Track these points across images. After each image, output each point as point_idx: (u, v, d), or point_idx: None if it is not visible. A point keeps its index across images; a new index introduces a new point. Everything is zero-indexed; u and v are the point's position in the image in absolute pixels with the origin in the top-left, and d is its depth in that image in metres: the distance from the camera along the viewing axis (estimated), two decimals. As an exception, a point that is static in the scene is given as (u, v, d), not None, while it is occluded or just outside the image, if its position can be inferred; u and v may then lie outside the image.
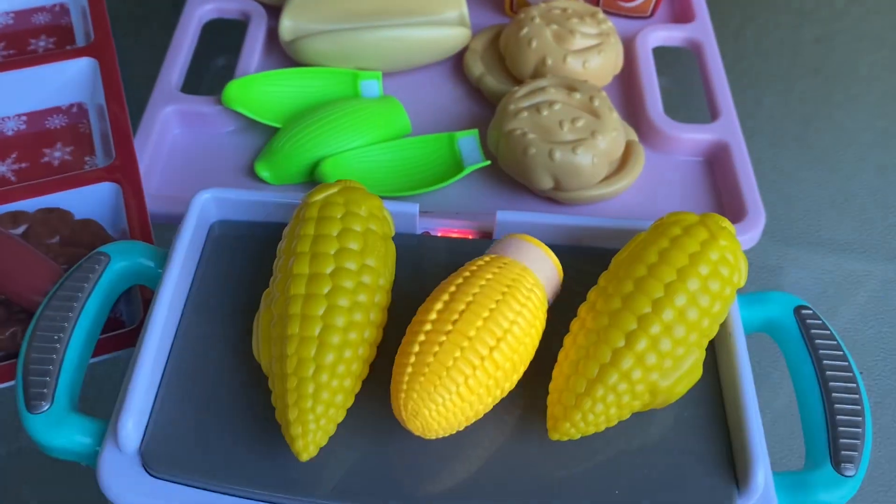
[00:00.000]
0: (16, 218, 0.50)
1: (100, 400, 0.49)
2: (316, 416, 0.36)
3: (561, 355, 0.40)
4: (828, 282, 0.58)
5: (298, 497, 0.37)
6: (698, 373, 0.39)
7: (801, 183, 0.64)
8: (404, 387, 0.36)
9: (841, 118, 0.69)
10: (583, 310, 0.41)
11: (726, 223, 0.41)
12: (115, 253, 0.45)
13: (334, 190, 0.42)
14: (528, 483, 0.38)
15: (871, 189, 0.64)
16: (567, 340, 0.40)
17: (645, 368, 0.37)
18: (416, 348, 0.37)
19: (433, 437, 0.37)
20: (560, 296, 0.43)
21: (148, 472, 0.38)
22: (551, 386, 0.39)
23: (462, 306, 0.38)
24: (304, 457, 0.37)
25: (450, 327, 0.37)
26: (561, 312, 0.42)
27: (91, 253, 0.45)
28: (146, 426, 0.39)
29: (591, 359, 0.37)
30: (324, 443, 0.37)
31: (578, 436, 0.37)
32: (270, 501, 0.37)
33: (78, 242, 0.50)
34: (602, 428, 0.38)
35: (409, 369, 0.36)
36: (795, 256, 0.59)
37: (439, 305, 0.38)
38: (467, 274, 0.40)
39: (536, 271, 0.40)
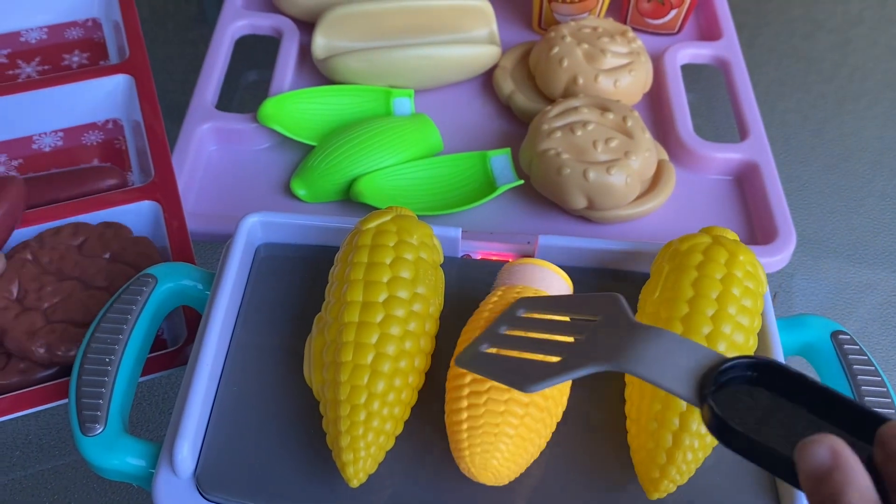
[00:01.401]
0: (77, 230, 0.51)
1: (142, 420, 0.50)
2: (367, 444, 0.37)
3: (629, 408, 0.40)
4: (835, 289, 0.59)
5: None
6: None
7: (812, 190, 0.64)
8: (466, 444, 0.37)
9: (854, 126, 0.70)
10: None
11: (733, 234, 0.43)
12: (161, 275, 0.46)
13: (387, 218, 0.43)
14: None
15: (883, 196, 0.64)
16: (630, 390, 0.41)
17: None
18: (465, 404, 0.37)
19: (507, 483, 0.38)
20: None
21: (202, 496, 0.38)
22: (634, 444, 0.39)
23: None
24: (355, 483, 0.37)
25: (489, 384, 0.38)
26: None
27: (138, 275, 0.46)
28: (200, 450, 0.40)
29: (667, 409, 0.38)
30: (373, 470, 0.38)
31: (675, 488, 0.38)
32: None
33: (124, 260, 0.51)
34: (693, 472, 0.38)
35: (465, 426, 0.37)
36: (807, 263, 0.60)
37: None
38: (487, 314, 0.40)
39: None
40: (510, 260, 0.49)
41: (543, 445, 0.39)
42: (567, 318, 0.37)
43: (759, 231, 0.56)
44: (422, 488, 0.39)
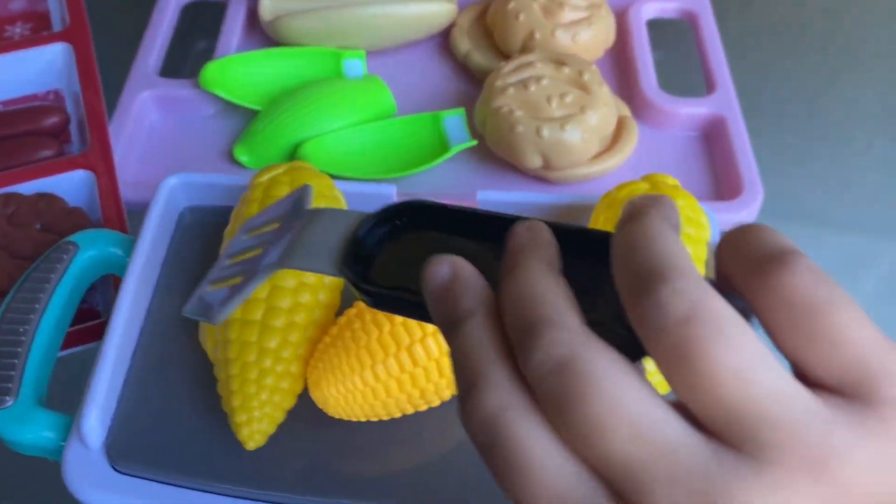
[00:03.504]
0: (7, 200, 0.49)
1: (73, 395, 0.48)
2: (260, 403, 0.35)
3: None
4: (838, 262, 0.56)
5: (257, 490, 0.36)
6: None
7: (808, 161, 0.62)
8: (316, 355, 0.36)
9: (849, 94, 0.67)
10: None
11: (673, 181, 0.41)
12: (83, 242, 0.44)
13: (280, 170, 0.40)
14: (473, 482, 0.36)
15: (881, 167, 0.62)
16: None
17: None
18: (335, 327, 0.37)
19: (334, 416, 0.36)
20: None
21: (113, 468, 0.36)
22: None
23: None
24: (251, 446, 0.35)
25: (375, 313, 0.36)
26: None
27: (59, 242, 0.44)
28: (111, 420, 0.38)
29: None
30: (271, 430, 0.36)
31: None
32: (231, 494, 0.36)
33: (57, 231, 0.49)
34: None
35: (327, 339, 0.36)
36: (804, 236, 0.57)
37: None
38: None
39: None
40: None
41: (406, 407, 0.36)
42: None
43: (724, 186, 0.54)
44: (333, 452, 0.37)
